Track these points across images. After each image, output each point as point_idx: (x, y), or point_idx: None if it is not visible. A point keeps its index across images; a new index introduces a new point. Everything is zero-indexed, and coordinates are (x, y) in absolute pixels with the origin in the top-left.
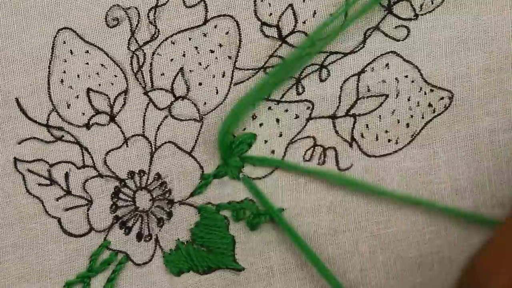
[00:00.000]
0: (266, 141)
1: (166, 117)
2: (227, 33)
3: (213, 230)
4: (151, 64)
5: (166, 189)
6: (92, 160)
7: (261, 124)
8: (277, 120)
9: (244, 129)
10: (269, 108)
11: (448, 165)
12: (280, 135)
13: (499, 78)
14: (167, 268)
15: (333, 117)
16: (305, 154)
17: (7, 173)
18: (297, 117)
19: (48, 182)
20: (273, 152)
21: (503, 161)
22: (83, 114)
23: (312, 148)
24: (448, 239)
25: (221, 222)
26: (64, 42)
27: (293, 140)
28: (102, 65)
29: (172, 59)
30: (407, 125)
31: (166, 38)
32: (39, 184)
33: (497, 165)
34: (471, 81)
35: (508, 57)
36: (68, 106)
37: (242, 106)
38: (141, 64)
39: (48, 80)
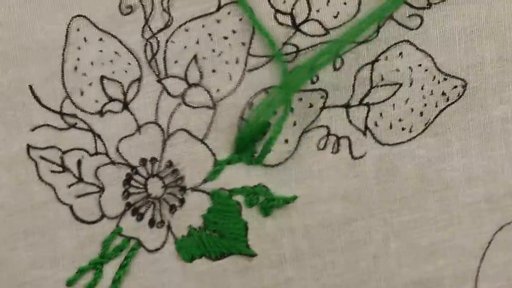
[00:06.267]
0: None
1: (179, 104)
2: (240, 19)
3: (225, 215)
4: (164, 51)
5: (178, 176)
6: (105, 147)
7: (274, 113)
8: (291, 109)
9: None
10: None
11: (461, 153)
12: (294, 124)
13: None
14: (180, 254)
15: (347, 106)
16: (319, 143)
17: (20, 160)
18: (311, 106)
19: (60, 169)
20: (286, 141)
21: None
22: (97, 101)
23: (325, 137)
24: (461, 227)
25: (234, 207)
26: (78, 30)
27: (306, 129)
28: (116, 52)
29: (185, 46)
30: (421, 113)
31: (180, 26)
32: (52, 171)
33: (509, 153)
34: (484, 70)
35: None
36: (82, 93)
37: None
38: (154, 52)
39: (62, 67)
